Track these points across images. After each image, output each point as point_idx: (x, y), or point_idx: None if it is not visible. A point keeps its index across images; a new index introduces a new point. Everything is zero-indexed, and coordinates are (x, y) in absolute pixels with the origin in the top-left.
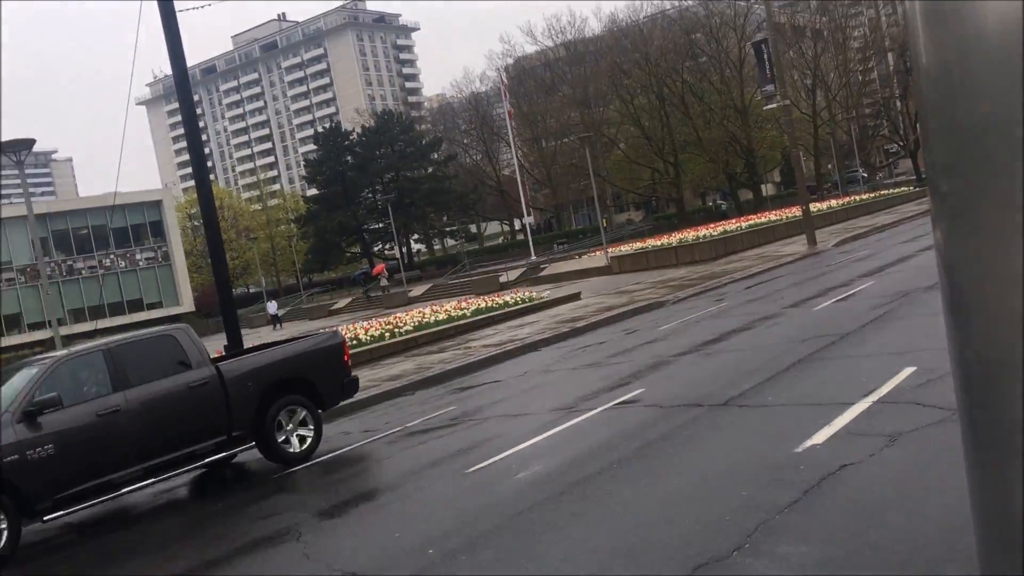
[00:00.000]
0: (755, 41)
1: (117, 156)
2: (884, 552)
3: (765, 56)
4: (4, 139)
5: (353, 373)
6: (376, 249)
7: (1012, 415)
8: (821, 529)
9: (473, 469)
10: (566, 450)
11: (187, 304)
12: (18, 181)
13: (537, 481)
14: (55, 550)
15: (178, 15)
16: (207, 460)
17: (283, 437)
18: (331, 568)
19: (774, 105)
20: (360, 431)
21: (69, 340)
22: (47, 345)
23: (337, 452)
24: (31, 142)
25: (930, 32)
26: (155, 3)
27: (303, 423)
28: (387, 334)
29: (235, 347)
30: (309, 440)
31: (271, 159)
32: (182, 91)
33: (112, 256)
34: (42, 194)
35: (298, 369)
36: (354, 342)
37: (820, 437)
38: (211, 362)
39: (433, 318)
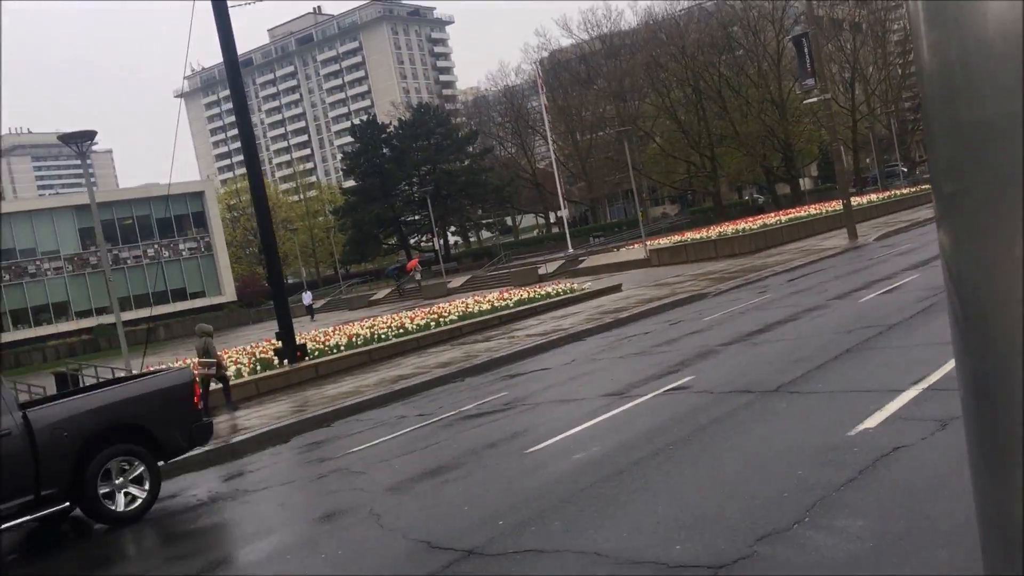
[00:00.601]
0: (795, 35)
1: (154, 148)
2: (941, 525)
3: (806, 50)
4: (65, 131)
5: (206, 418)
6: (412, 241)
7: (1014, 423)
8: (878, 505)
9: (531, 450)
10: (621, 433)
11: (229, 294)
12: (60, 172)
13: (595, 461)
14: None
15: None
16: (10, 524)
17: (111, 494)
18: (406, 536)
19: (814, 99)
20: (415, 415)
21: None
22: (95, 333)
23: (394, 436)
24: (92, 133)
25: (932, 34)
26: (207, 1)
27: (137, 479)
28: (432, 323)
29: (287, 336)
30: (141, 499)
31: (307, 151)
32: (234, 86)
33: (156, 246)
34: (81, 186)
35: (131, 414)
36: (400, 330)
37: (872, 422)
38: (19, 408)
39: (477, 308)
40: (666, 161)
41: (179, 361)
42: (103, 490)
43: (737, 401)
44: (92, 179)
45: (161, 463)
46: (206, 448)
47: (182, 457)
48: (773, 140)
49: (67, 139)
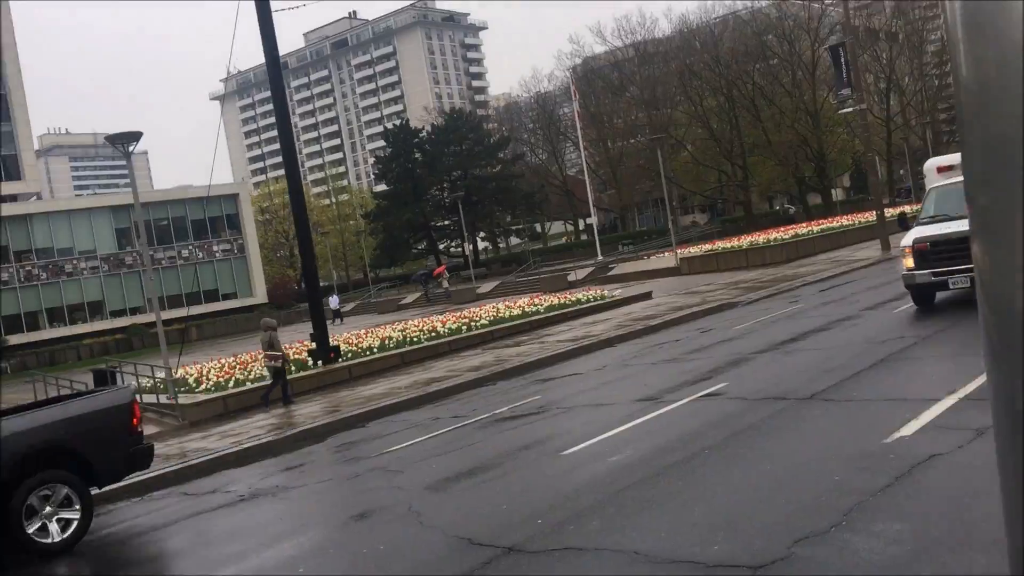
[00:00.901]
0: (832, 45)
1: (187, 150)
2: (979, 530)
3: (843, 60)
4: (100, 132)
5: (148, 441)
6: (442, 246)
7: None
8: (915, 510)
9: (567, 452)
10: (655, 437)
11: (260, 296)
12: (96, 173)
13: (631, 464)
14: None
15: (257, 14)
16: None
17: (38, 524)
18: (446, 533)
19: (849, 109)
20: (449, 417)
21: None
22: (128, 333)
23: (429, 436)
24: (138, 135)
25: (970, 46)
26: (252, 3)
27: (66, 503)
28: (464, 327)
29: (321, 337)
30: (74, 525)
31: (339, 155)
32: (276, 91)
33: (191, 247)
34: (117, 186)
35: (60, 438)
36: (432, 334)
37: (908, 429)
38: None
39: (507, 313)
40: (697, 170)
41: (214, 361)
42: (33, 525)
43: (771, 408)
44: (127, 181)
45: (95, 490)
46: (244, 445)
47: (219, 454)
48: (806, 150)
49: (113, 140)
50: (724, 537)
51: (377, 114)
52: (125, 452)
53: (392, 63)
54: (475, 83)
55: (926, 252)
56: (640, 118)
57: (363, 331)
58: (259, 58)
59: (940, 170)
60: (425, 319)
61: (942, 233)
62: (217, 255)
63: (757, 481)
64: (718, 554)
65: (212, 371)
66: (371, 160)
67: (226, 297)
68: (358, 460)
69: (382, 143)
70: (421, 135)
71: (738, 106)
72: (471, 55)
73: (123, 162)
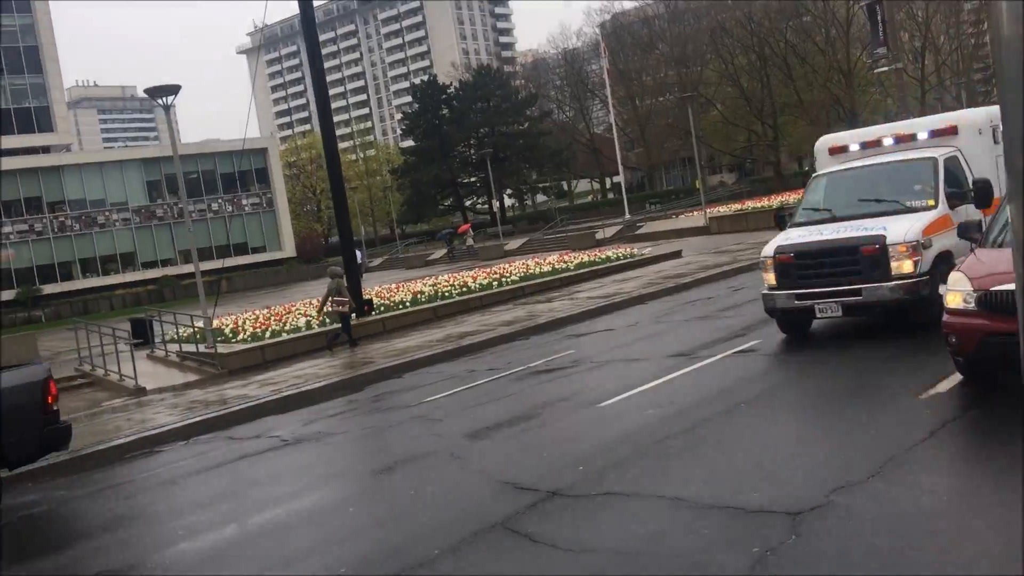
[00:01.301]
0: (869, 2)
1: (213, 104)
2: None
3: (879, 18)
4: (136, 85)
5: (65, 419)
6: (468, 203)
7: None
8: (952, 462)
9: (604, 404)
10: (691, 391)
11: (289, 249)
12: (124, 126)
13: (668, 416)
14: None
15: None
16: None
17: None
18: (491, 478)
19: (884, 68)
20: (485, 369)
21: (182, 280)
22: (160, 284)
23: (466, 387)
24: (176, 88)
25: (1012, 2)
26: None
27: None
28: (494, 283)
29: (355, 291)
30: None
31: (365, 111)
32: (310, 45)
33: (220, 200)
34: (146, 139)
35: None
36: (464, 288)
37: (943, 387)
38: None
39: (537, 269)
40: (727, 129)
41: (248, 313)
42: None
43: (805, 364)
44: (155, 134)
45: (5, 472)
46: (283, 393)
47: (259, 401)
48: (838, 109)
49: (152, 93)
50: (764, 485)
51: (403, 69)
52: (38, 432)
53: (419, 18)
54: (502, 39)
55: (789, 267)
56: (670, 76)
57: (394, 285)
58: (285, 12)
59: (833, 151)
60: (455, 274)
61: (813, 241)
62: (246, 209)
63: (793, 432)
64: (759, 500)
65: (247, 322)
66: (398, 116)
67: (255, 251)
68: (397, 409)
69: (408, 99)
70: (449, 91)
71: (769, 64)
72: (499, 10)
73: (150, 115)
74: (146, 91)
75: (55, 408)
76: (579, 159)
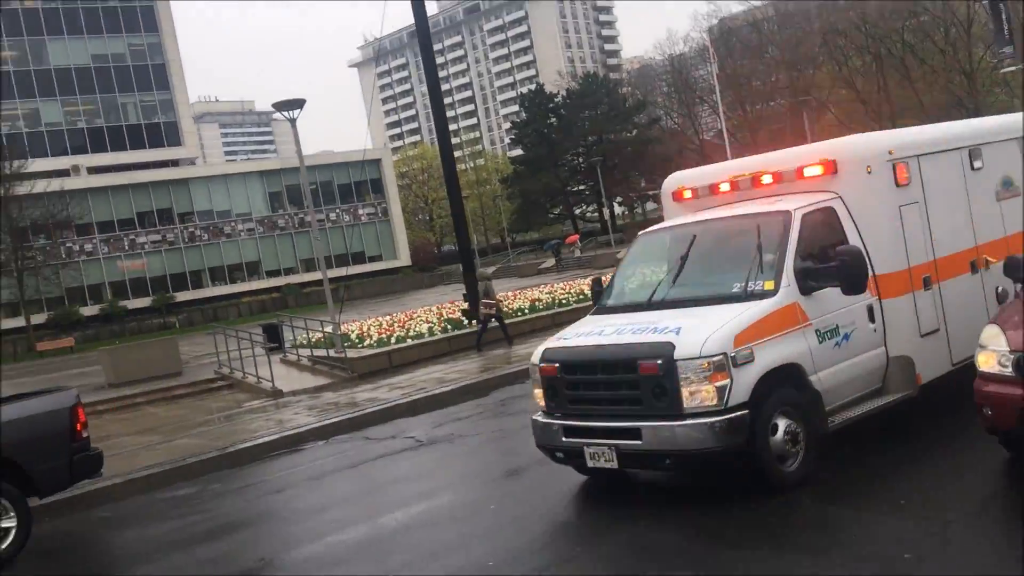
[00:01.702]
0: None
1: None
2: None
3: (1003, 16)
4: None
5: (96, 448)
6: (578, 211)
7: None
8: None
9: None
10: None
11: (404, 258)
12: (244, 140)
13: None
14: None
15: None
16: None
17: None
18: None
19: (1011, 68)
20: None
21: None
22: (283, 292)
23: None
24: (301, 102)
25: None
26: None
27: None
28: None
29: (474, 298)
30: (11, 536)
31: (473, 120)
32: (427, 57)
33: (338, 211)
34: (264, 152)
35: None
36: (580, 296)
37: None
38: None
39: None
40: (843, 132)
41: (371, 319)
42: None
43: None
44: (273, 147)
45: (38, 500)
46: (412, 397)
47: (391, 404)
48: (962, 112)
49: (280, 107)
50: None
51: (510, 79)
52: (67, 460)
53: (524, 27)
54: (607, 46)
55: (555, 382)
56: (780, 80)
57: (511, 293)
58: (395, 24)
59: (677, 198)
60: (570, 282)
61: (587, 346)
62: (363, 218)
63: None
64: None
65: (372, 328)
66: (505, 125)
67: (372, 259)
68: (523, 413)
69: (515, 108)
70: (556, 100)
71: (886, 66)
72: (603, 18)
73: (268, 129)
74: (274, 105)
75: (85, 435)
76: (689, 166)
